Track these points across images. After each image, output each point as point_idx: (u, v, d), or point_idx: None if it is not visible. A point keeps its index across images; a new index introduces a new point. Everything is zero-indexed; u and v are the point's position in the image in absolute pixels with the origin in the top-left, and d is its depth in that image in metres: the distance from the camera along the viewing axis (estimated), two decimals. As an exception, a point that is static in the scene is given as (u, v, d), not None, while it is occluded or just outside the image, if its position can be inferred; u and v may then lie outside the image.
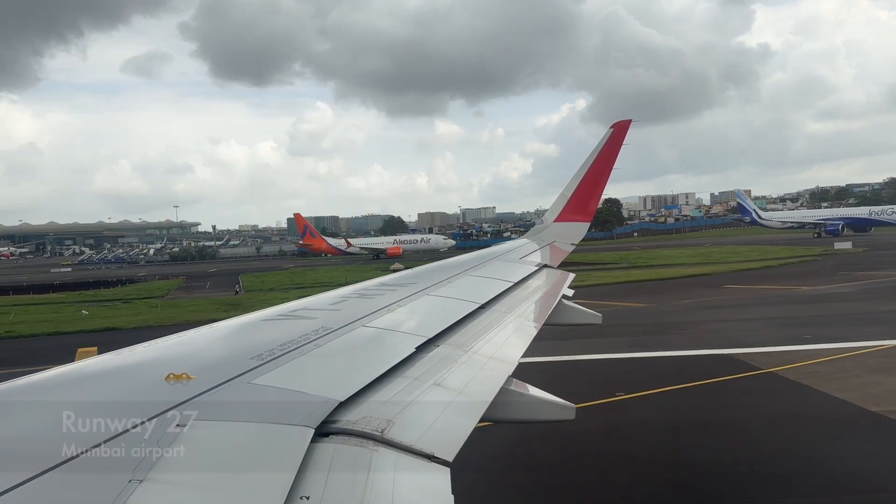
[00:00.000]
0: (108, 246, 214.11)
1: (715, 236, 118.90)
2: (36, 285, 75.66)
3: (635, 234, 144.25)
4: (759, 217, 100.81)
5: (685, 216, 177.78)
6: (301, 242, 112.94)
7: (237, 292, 54.28)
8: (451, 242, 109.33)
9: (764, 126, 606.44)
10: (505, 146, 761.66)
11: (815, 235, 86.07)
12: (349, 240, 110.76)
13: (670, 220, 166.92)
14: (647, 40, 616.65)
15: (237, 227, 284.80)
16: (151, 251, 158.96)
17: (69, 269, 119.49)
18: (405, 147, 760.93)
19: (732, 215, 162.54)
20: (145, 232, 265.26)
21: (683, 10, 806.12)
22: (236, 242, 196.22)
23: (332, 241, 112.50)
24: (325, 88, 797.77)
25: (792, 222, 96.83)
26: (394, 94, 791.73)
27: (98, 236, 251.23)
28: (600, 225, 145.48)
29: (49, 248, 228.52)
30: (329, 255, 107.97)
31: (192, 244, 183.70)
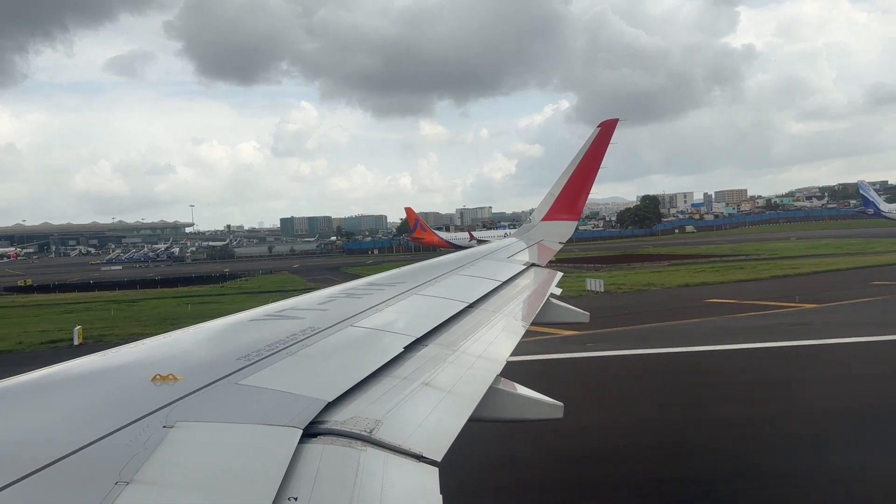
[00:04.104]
0: (112, 246, 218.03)
1: (772, 231, 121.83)
2: (154, 280, 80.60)
3: (676, 230, 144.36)
4: (882, 210, 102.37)
5: (719, 213, 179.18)
6: (413, 236, 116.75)
7: None
8: None
9: (748, 126, 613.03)
10: (490, 147, 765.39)
11: None
12: (472, 233, 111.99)
13: (708, 218, 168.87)
14: (634, 41, 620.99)
15: (222, 228, 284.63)
16: (183, 251, 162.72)
17: (120, 268, 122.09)
18: (390, 147, 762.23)
19: (769, 212, 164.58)
20: (140, 232, 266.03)
21: (669, 11, 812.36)
22: (233, 242, 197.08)
23: (443, 234, 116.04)
24: (311, 88, 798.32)
25: None
26: (381, 93, 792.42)
27: (101, 237, 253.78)
28: (639, 222, 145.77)
29: (54, 248, 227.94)
30: (440, 248, 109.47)
31: (197, 244, 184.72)
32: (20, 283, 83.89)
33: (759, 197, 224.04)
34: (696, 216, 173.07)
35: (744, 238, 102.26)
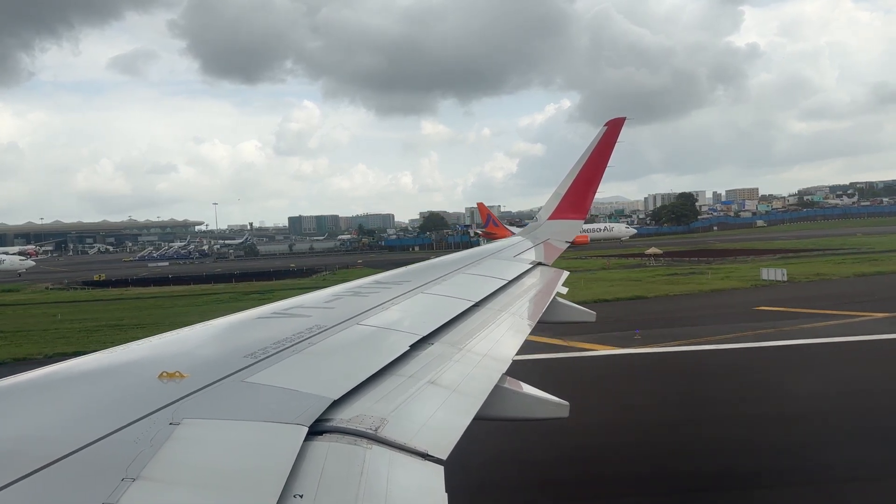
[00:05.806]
0: (129, 244, 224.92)
1: (821, 228, 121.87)
2: (233, 275, 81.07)
3: (714, 227, 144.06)
4: None
5: (755, 211, 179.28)
6: (485, 231, 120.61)
7: None
8: (633, 231, 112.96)
9: (750, 126, 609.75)
10: (491, 146, 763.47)
11: None
12: None
13: (745, 214, 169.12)
14: (638, 39, 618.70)
15: (226, 227, 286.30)
16: (210, 248, 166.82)
17: (167, 264, 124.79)
18: (392, 146, 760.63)
19: (805, 210, 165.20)
20: (151, 230, 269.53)
21: (673, 10, 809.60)
22: (240, 241, 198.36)
23: (514, 229, 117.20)
24: (315, 87, 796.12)
25: None
26: (385, 92, 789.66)
27: (117, 235, 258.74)
28: (674, 220, 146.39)
29: (72, 246, 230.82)
30: None
31: (218, 243, 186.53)
32: (96, 277, 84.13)
33: (772, 196, 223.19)
34: (731, 214, 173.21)
35: (806, 234, 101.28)
